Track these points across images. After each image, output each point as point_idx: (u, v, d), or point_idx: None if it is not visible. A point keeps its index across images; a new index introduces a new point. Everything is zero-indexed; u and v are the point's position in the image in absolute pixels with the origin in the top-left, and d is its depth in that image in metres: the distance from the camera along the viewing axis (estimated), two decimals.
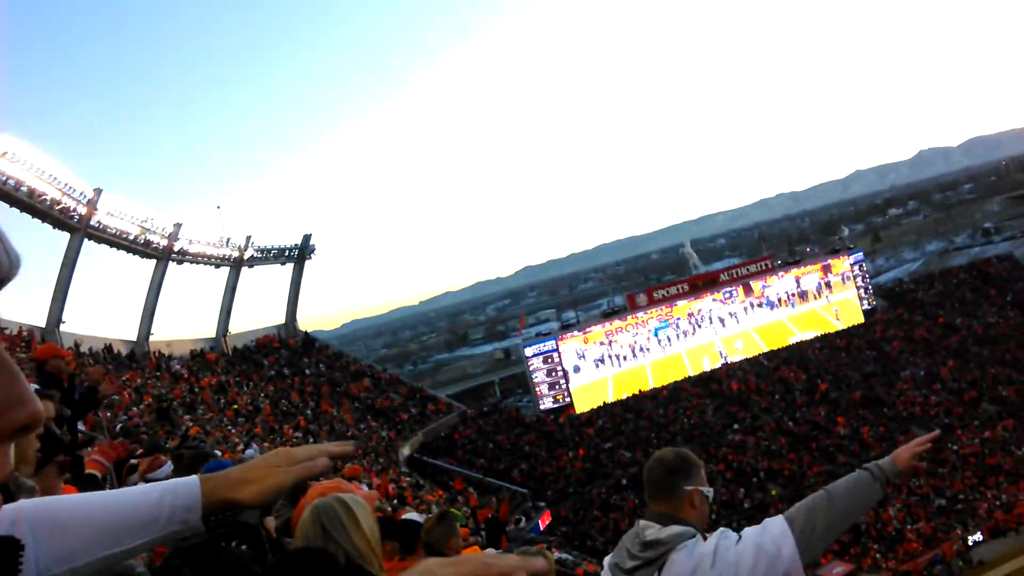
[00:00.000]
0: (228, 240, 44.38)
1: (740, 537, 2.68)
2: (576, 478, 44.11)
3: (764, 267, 55.59)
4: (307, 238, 49.05)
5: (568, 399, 50.10)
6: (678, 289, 54.27)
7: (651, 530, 2.83)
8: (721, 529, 2.77)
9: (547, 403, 50.28)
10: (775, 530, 2.69)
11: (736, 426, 48.24)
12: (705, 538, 2.78)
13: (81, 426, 7.88)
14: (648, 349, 52.32)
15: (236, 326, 46.32)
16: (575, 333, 51.57)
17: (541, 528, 36.90)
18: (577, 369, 50.50)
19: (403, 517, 6.72)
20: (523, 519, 34.97)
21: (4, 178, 30.98)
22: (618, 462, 45.51)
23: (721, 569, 2.60)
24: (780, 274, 55.21)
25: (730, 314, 54.13)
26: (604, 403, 50.31)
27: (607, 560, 2.98)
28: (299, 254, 48.70)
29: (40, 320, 34.25)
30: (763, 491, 43.12)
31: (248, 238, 45.64)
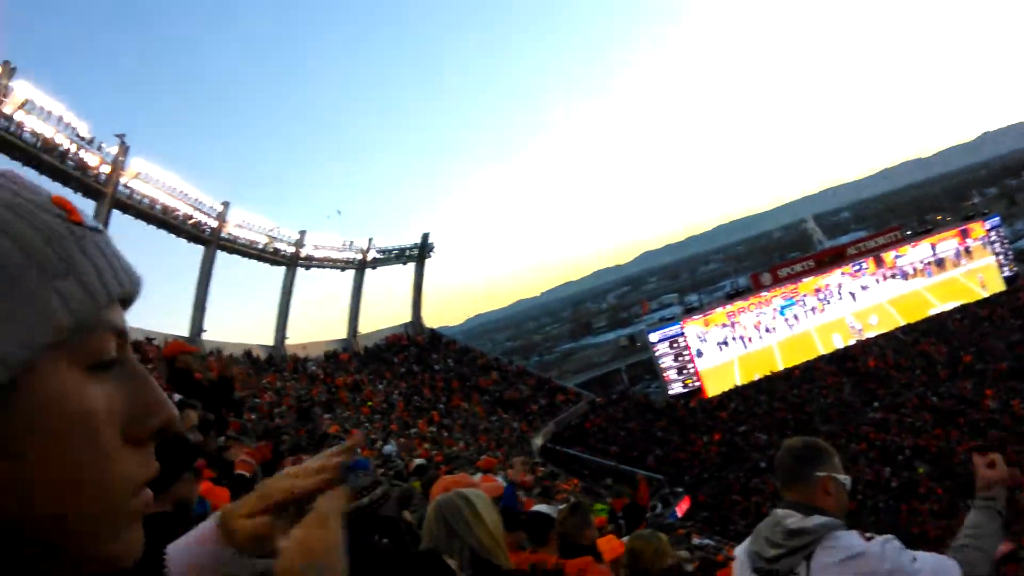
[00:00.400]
0: (351, 244, 45.48)
1: (915, 557, 2.50)
2: (712, 463, 43.29)
3: (894, 238, 53.09)
4: (425, 237, 49.79)
5: (697, 383, 49.23)
6: (804, 266, 52.37)
7: (793, 519, 2.70)
8: (888, 536, 2.61)
9: (676, 388, 49.56)
10: (953, 571, 2.56)
11: (876, 403, 46.29)
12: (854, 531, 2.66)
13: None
14: (774, 329, 50.77)
15: (365, 326, 47.50)
16: (698, 316, 50.57)
17: (679, 514, 36.33)
18: (702, 353, 49.52)
19: (532, 508, 6.58)
20: (659, 505, 34.56)
21: (139, 197, 32.63)
22: (754, 445, 44.41)
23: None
24: (913, 243, 52.52)
25: (862, 288, 51.93)
26: (735, 386, 49.21)
27: (740, 549, 2.89)
28: (419, 253, 49.49)
29: (184, 330, 35.95)
30: (910, 469, 41.22)
31: (370, 240, 46.71)
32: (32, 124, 27.29)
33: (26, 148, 27.45)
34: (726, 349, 50.12)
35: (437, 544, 2.87)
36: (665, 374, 50.13)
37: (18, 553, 0.54)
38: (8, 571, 0.52)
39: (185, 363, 7.78)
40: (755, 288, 51.38)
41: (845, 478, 2.83)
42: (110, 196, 31.01)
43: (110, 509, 0.61)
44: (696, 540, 25.65)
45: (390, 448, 22.02)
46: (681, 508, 37.26)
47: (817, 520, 2.62)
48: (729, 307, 50.69)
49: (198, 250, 37.23)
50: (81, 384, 0.59)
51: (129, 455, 0.63)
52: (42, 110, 27.53)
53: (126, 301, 0.65)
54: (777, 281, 51.08)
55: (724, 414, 47.31)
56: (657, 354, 50.28)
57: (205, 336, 36.27)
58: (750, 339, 50.41)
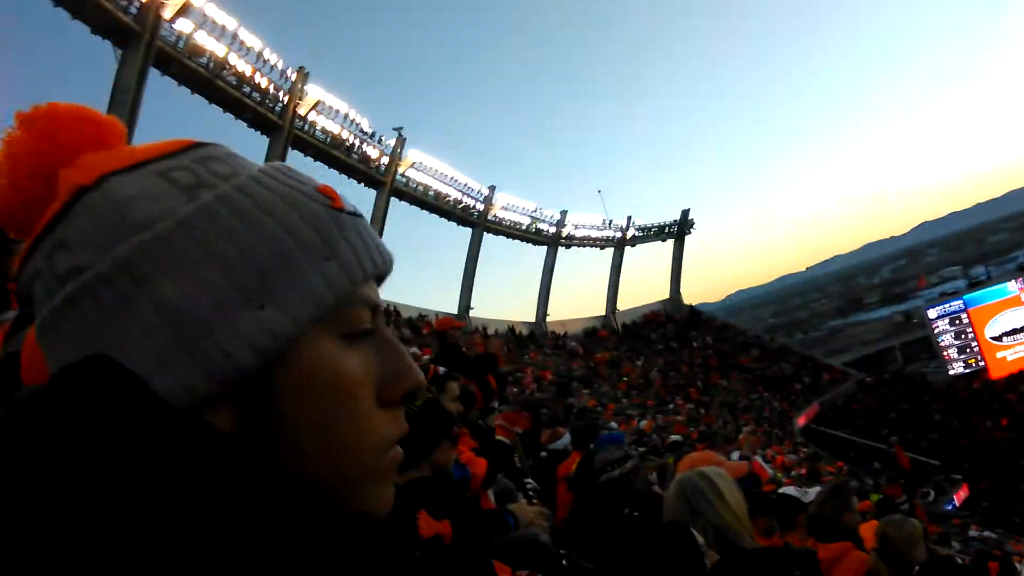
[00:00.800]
0: (610, 222, 46.09)
1: None
2: (998, 448, 39.72)
3: None
4: (685, 213, 49.35)
5: (982, 363, 45.25)
6: None
7: None
8: None
9: (957, 368, 45.88)
10: None
11: None
12: None
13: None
14: None
15: (623, 303, 47.98)
16: (987, 291, 46.30)
17: (957, 503, 33.82)
18: (992, 330, 45.36)
19: (780, 491, 6.62)
20: (932, 492, 32.34)
21: (414, 185, 35.17)
22: None
23: None
24: None
25: None
26: None
27: None
28: (679, 230, 49.15)
29: (452, 308, 38.30)
30: None
31: (629, 218, 47.07)
32: (323, 123, 30.18)
33: (317, 145, 30.43)
34: (1018, 325, 45.60)
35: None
36: (945, 353, 46.57)
37: (286, 509, 0.61)
38: (274, 525, 0.59)
39: (454, 338, 8.54)
40: None
41: None
42: (389, 185, 33.69)
43: (368, 465, 0.70)
44: (974, 532, 24.02)
45: (644, 424, 22.40)
46: (959, 497, 34.65)
47: None
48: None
49: (466, 232, 39.52)
50: (340, 353, 0.69)
51: (382, 416, 0.72)
52: (331, 109, 30.34)
53: (380, 278, 0.77)
54: None
55: (1013, 396, 43.18)
56: (936, 331, 46.81)
57: (472, 313, 38.40)
58: None
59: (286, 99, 28.31)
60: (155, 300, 0.62)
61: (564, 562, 4.23)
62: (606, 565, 3.58)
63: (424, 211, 37.14)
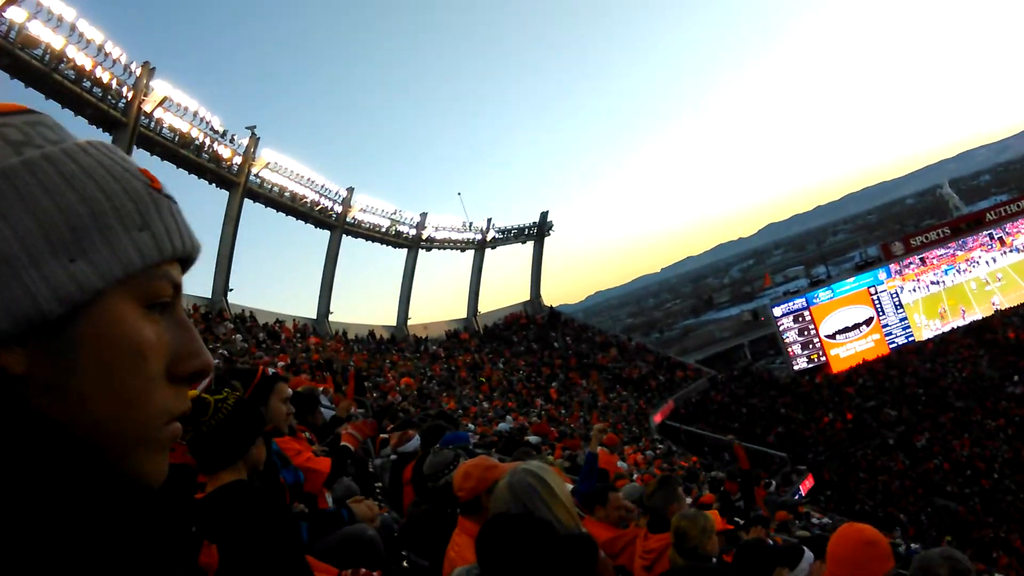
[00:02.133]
0: (471, 224, 46.25)
1: None
2: (838, 439, 42.18)
3: None
4: (544, 215, 50.11)
5: (823, 358, 47.95)
6: (938, 234, 49.94)
7: None
8: None
9: (801, 363, 48.41)
10: None
11: (1016, 377, 43.96)
12: None
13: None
14: (908, 302, 48.76)
15: (485, 305, 48.32)
16: (825, 290, 49.11)
17: (803, 492, 35.70)
18: (830, 327, 48.13)
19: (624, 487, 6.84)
20: (773, 483, 34.04)
21: (269, 186, 34.19)
22: (883, 422, 43.02)
23: None
24: None
25: (1000, 255, 49.29)
26: (863, 360, 47.63)
27: None
28: (538, 231, 49.87)
29: (311, 312, 37.60)
30: None
31: (489, 220, 47.35)
32: (170, 120, 28.94)
33: (165, 143, 29.16)
34: (858, 322, 48.52)
35: None
36: (790, 349, 49.01)
37: (65, 458, 0.66)
38: (53, 477, 0.63)
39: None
40: (886, 258, 49.47)
41: None
42: (242, 186, 32.63)
43: (147, 429, 0.75)
44: (816, 519, 25.33)
45: (505, 426, 22.61)
46: (805, 487, 36.60)
47: None
48: (861, 282, 48.87)
49: (325, 235, 38.77)
50: (138, 317, 0.75)
51: (168, 388, 0.77)
52: (179, 107, 29.16)
53: (186, 261, 0.83)
54: (910, 250, 48.98)
55: (851, 389, 45.96)
56: (781, 329, 49.20)
57: (332, 318, 37.79)
58: (883, 311, 48.57)
59: (130, 95, 26.99)
60: None
61: (404, 563, 4.24)
62: (438, 563, 3.60)
63: (281, 213, 36.21)
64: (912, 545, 24.17)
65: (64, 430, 0.69)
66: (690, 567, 2.83)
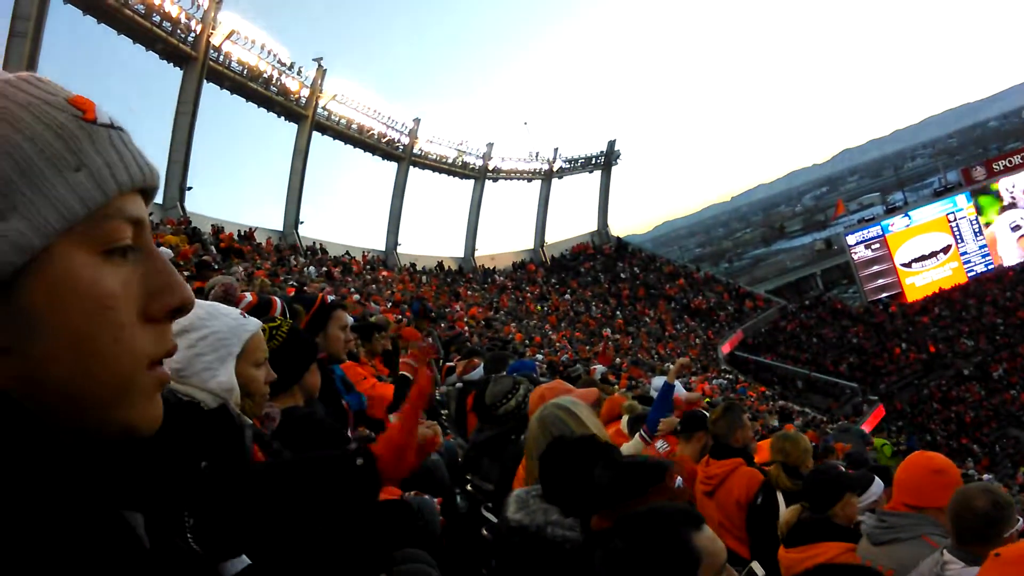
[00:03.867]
0: (537, 154, 45.93)
1: None
2: (912, 370, 41.42)
3: None
4: (611, 144, 49.45)
5: (898, 288, 46.84)
6: (1023, 158, 47.87)
7: (954, 567, 2.66)
8: None
9: (875, 293, 47.40)
10: None
11: None
12: None
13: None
14: (987, 227, 47.06)
15: (552, 236, 48.20)
16: (902, 217, 47.71)
17: (867, 429, 35.28)
18: (906, 255, 46.88)
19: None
20: (848, 413, 33.69)
21: (336, 118, 34.39)
22: (959, 352, 42.06)
23: None
24: None
25: None
26: (940, 289, 46.41)
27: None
28: (605, 161, 49.28)
29: (380, 245, 38.00)
30: None
31: (555, 150, 46.98)
32: (238, 53, 29.16)
33: (234, 77, 29.47)
34: (937, 250, 47.20)
35: None
36: (863, 278, 48.04)
37: (44, 418, 0.63)
38: (37, 436, 0.61)
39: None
40: (966, 183, 47.75)
41: (1020, 522, 2.75)
42: (310, 119, 32.91)
43: (126, 380, 0.70)
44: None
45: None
46: (875, 417, 36.15)
47: (973, 572, 2.52)
48: (940, 210, 47.31)
49: (392, 167, 38.94)
50: (95, 267, 0.69)
51: (145, 331, 0.72)
52: (246, 39, 29.33)
53: (145, 192, 0.76)
54: (992, 175, 47.11)
55: (926, 319, 44.92)
56: (855, 257, 48.18)
57: (400, 250, 38.15)
58: (962, 239, 47.08)
59: (199, 29, 27.26)
60: None
61: (468, 486, 4.31)
62: (503, 487, 3.66)
63: (348, 145, 36.45)
64: (985, 476, 23.82)
65: (42, 393, 0.65)
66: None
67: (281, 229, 32.60)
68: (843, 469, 3.83)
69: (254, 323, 2.14)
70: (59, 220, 0.66)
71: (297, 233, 32.63)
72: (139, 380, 0.72)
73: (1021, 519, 2.81)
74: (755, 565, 1.84)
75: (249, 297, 3.90)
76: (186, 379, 1.92)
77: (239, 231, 27.79)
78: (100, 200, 0.69)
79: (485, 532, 3.39)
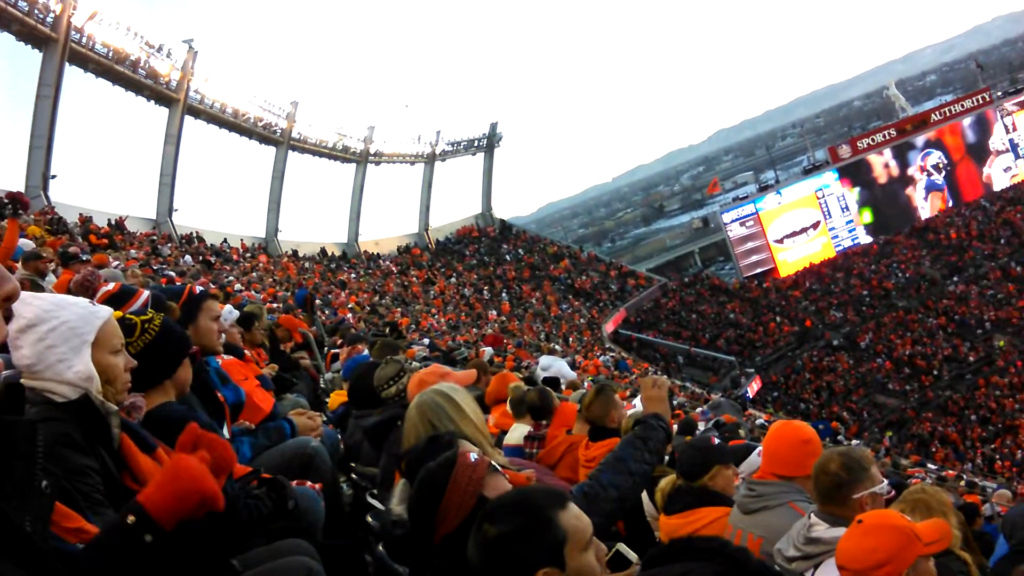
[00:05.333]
0: (420, 137, 45.61)
1: None
2: (785, 343, 43.28)
3: (981, 100, 50.65)
4: (493, 126, 49.58)
5: (772, 263, 48.78)
6: (884, 135, 50.52)
7: (819, 528, 2.81)
8: None
9: (750, 269, 49.21)
10: None
11: (956, 277, 45.30)
12: None
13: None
14: (853, 206, 49.51)
15: (436, 220, 48.01)
16: (774, 195, 49.65)
17: (751, 395, 36.75)
18: (778, 231, 48.82)
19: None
20: (728, 386, 34.99)
21: (210, 102, 33.22)
22: (829, 323, 44.17)
23: None
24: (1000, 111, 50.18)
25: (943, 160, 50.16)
26: (810, 264, 48.58)
27: (779, 544, 2.95)
28: (487, 143, 49.41)
29: (260, 232, 37.09)
30: (988, 343, 40.59)
31: (438, 133, 46.74)
32: (103, 35, 27.77)
33: (99, 60, 28.08)
34: (806, 227, 49.26)
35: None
36: (738, 255, 49.75)
37: None
38: None
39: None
40: (833, 161, 49.99)
41: (881, 487, 2.89)
42: (182, 102, 31.67)
43: None
44: (763, 420, 26.13)
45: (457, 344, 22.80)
46: (753, 388, 37.66)
47: (837, 534, 2.66)
48: (809, 187, 49.48)
49: (270, 152, 37.97)
50: None
51: None
52: (111, 20, 27.94)
53: None
54: (857, 153, 49.49)
55: (798, 293, 46.97)
56: (731, 235, 49.81)
57: (281, 236, 37.34)
58: (829, 214, 49.31)
59: (59, 8, 25.83)
60: None
61: (352, 474, 4.30)
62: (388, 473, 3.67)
63: (224, 130, 35.31)
64: (854, 442, 25.14)
65: None
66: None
67: (154, 218, 31.44)
68: (717, 442, 3.97)
69: (105, 310, 2.10)
70: None
71: (172, 222, 31.49)
72: None
73: (885, 480, 2.96)
74: (621, 546, 1.91)
75: (110, 286, 3.75)
76: (40, 374, 1.87)
77: (109, 220, 26.71)
78: None
79: (370, 520, 3.39)
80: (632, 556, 1.92)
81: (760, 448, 4.06)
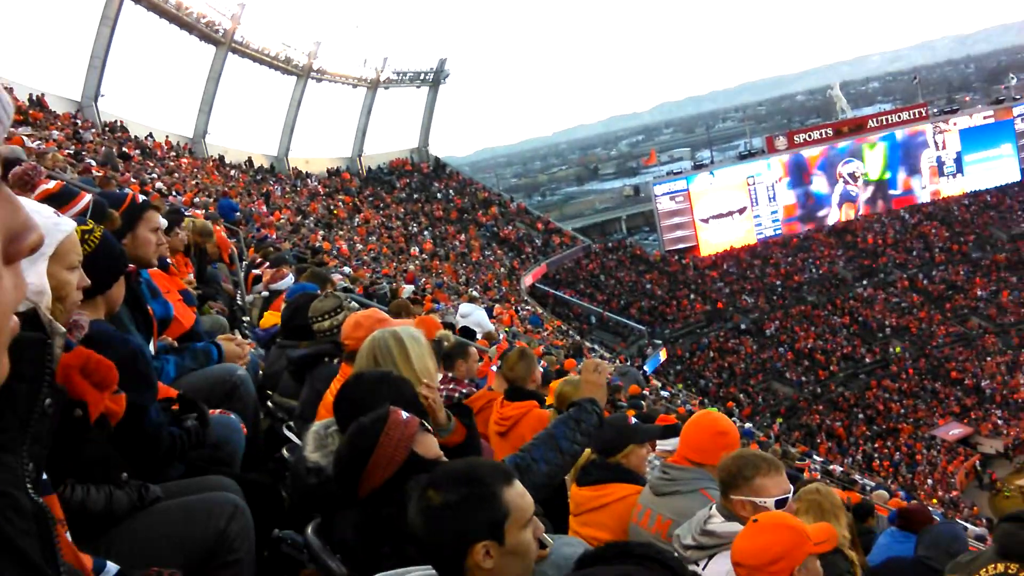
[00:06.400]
0: (365, 61, 44.58)
1: None
2: (696, 320, 44.25)
3: (917, 115, 52.11)
4: (442, 62, 48.76)
5: (694, 241, 49.59)
6: (821, 134, 51.62)
7: (715, 520, 2.89)
8: None
9: (673, 243, 49.93)
10: None
11: (866, 281, 46.94)
12: None
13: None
14: (780, 196, 50.56)
15: (371, 148, 47.21)
16: (706, 174, 50.31)
17: (658, 365, 37.57)
18: (705, 211, 49.58)
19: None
20: (634, 354, 35.55)
21: None
22: (740, 307, 45.30)
23: None
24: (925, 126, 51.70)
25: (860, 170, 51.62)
26: (731, 248, 49.56)
27: (678, 530, 3.03)
28: (434, 78, 48.61)
29: (188, 131, 35.86)
30: (886, 348, 42.35)
31: (385, 60, 45.73)
32: None
33: None
34: (732, 211, 50.08)
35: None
36: (663, 228, 50.38)
37: None
38: None
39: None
40: (768, 150, 50.82)
41: (764, 501, 2.88)
42: None
43: None
44: (665, 392, 26.81)
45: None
46: (659, 359, 38.50)
47: (732, 528, 2.77)
48: (742, 170, 50.28)
49: (210, 51, 36.56)
50: None
51: (7, 277, 0.65)
52: None
53: None
54: (792, 146, 50.43)
55: (715, 273, 47.96)
56: (659, 207, 50.35)
57: (209, 140, 36.19)
58: (755, 202, 50.24)
59: None
60: None
61: (269, 403, 4.24)
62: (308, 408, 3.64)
63: (164, 21, 33.78)
64: (746, 424, 26.00)
65: None
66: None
67: (79, 100, 30.08)
68: (632, 420, 4.04)
69: (68, 223, 2.00)
70: None
71: (96, 107, 30.18)
72: (3, 337, 0.61)
73: (779, 496, 2.91)
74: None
75: (50, 184, 3.57)
76: None
77: (31, 95, 25.46)
78: None
79: (285, 453, 3.37)
80: (548, 540, 1.96)
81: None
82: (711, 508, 2.98)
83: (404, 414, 2.23)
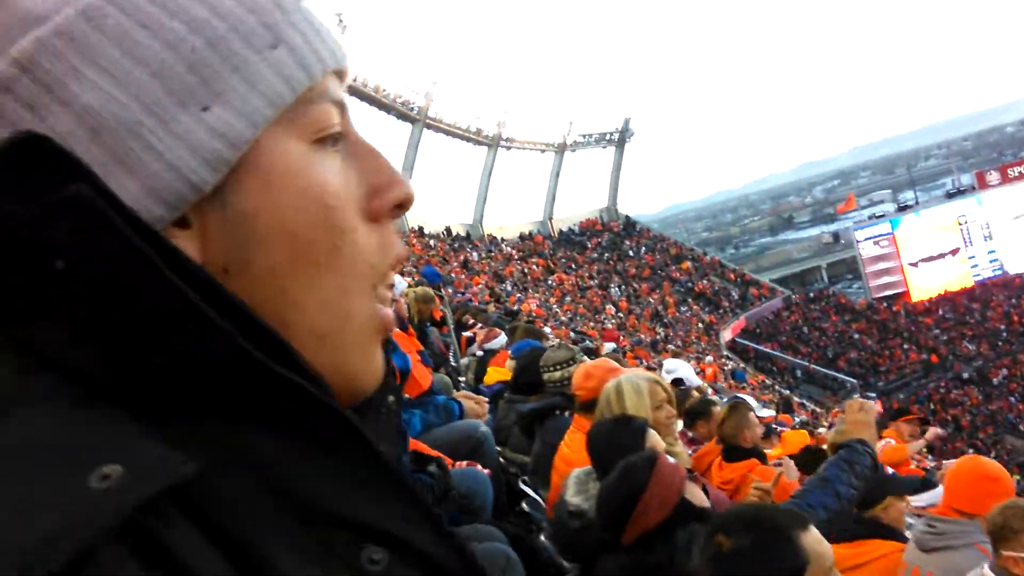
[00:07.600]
0: (552, 126, 45.65)
1: None
2: (911, 370, 41.47)
3: None
4: (627, 121, 49.13)
5: (904, 287, 46.79)
6: None
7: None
8: None
9: (879, 290, 47.36)
10: None
11: None
12: None
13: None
14: (999, 235, 46.93)
15: (561, 210, 47.98)
16: (912, 216, 47.59)
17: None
18: (913, 254, 46.79)
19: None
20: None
21: (353, 75, 33.83)
22: (961, 355, 42.09)
23: None
24: None
25: None
26: (945, 291, 46.35)
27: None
28: (619, 137, 49.00)
29: None
30: None
31: (571, 123, 46.64)
32: None
33: None
34: (944, 253, 47.10)
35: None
36: (868, 274, 48.00)
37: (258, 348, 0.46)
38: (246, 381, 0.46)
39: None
40: (980, 187, 47.53)
41: None
42: None
43: (354, 297, 0.57)
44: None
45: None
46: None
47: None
48: (951, 210, 47.22)
49: (406, 129, 38.63)
50: (309, 158, 0.55)
51: (370, 232, 0.59)
52: None
53: (340, 74, 0.62)
54: (1006, 181, 46.89)
55: (930, 320, 44.94)
56: (862, 253, 48.14)
57: (409, 212, 37.87)
58: (970, 243, 46.98)
59: None
60: (70, 107, 0.49)
61: (500, 459, 4.26)
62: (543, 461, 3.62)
63: (364, 103, 36.13)
64: None
65: (260, 312, 0.49)
66: None
67: None
68: (892, 473, 3.77)
69: None
70: (268, 108, 0.53)
71: None
72: (370, 293, 0.58)
73: None
74: None
75: None
76: None
77: None
78: (305, 81, 0.55)
79: (525, 506, 3.34)
80: None
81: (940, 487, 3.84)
82: (984, 567, 2.68)
83: (670, 458, 2.14)
